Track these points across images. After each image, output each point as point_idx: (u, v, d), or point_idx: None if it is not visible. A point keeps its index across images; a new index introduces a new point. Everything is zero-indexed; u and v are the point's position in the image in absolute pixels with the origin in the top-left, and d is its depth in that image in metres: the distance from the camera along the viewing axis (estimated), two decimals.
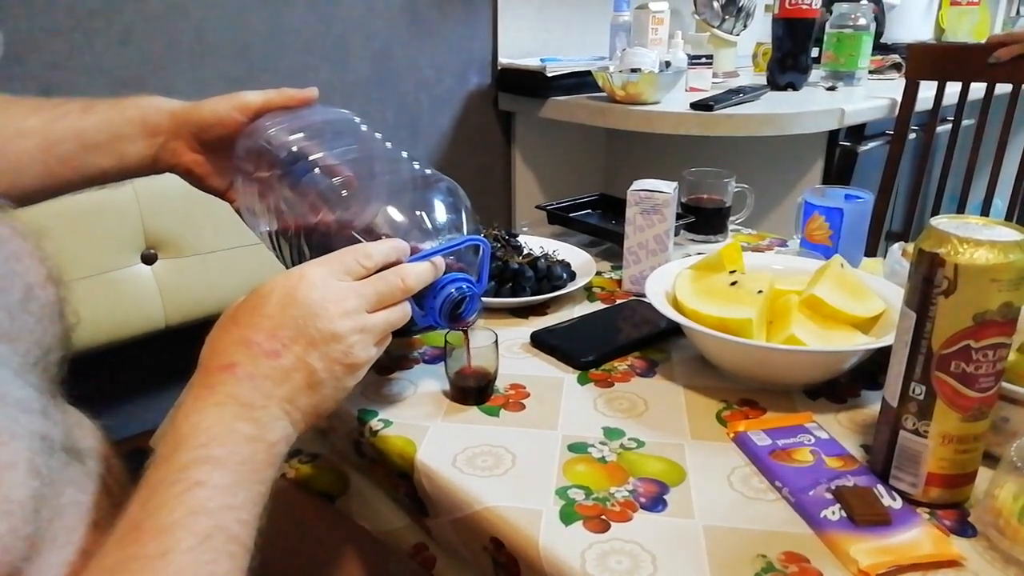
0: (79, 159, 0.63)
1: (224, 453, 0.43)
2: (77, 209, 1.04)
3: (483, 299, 0.81)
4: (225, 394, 0.45)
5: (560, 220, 1.07)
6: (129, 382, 1.32)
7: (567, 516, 0.52)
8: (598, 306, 0.86)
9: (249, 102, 0.66)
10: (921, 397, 0.51)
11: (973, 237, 0.48)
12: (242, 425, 0.44)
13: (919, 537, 0.49)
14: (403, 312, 0.54)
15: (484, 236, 0.88)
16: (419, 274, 0.55)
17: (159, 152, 0.66)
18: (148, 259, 1.12)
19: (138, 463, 0.44)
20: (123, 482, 0.50)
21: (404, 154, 0.66)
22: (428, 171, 0.65)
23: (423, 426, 0.63)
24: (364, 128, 0.69)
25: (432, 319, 0.59)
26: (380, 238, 0.57)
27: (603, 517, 0.52)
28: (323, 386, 0.49)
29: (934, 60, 1.48)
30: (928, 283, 0.49)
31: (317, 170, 0.61)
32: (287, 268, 0.62)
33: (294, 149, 0.63)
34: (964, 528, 0.51)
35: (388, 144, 0.67)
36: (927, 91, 1.48)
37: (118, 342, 1.10)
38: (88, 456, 0.47)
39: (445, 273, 0.59)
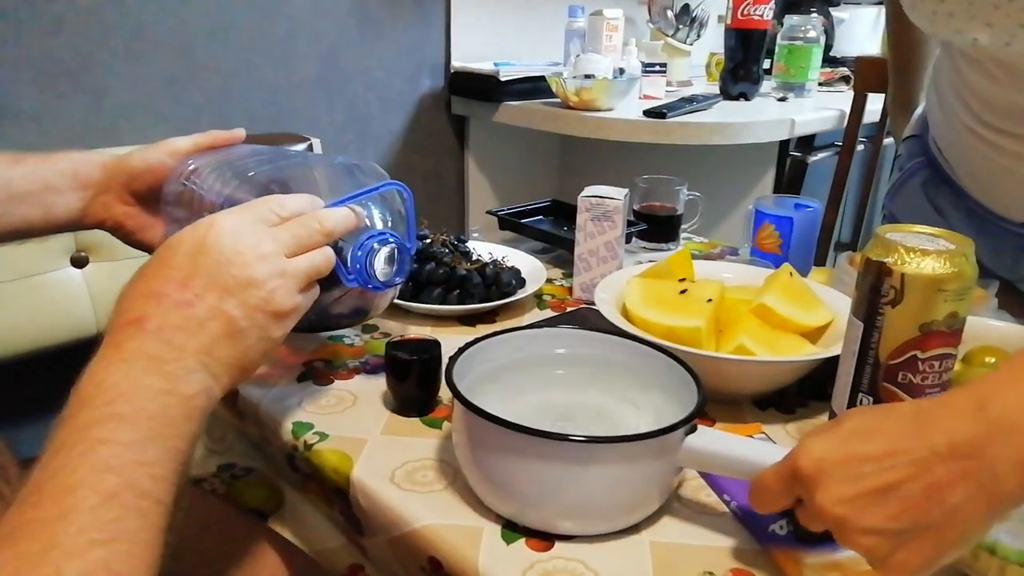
0: (4, 210, 0.62)
1: (131, 410, 0.40)
2: None
3: (429, 306, 0.79)
4: (132, 349, 0.43)
5: (511, 226, 1.05)
6: (57, 390, 1.25)
7: (509, 534, 0.50)
8: (548, 314, 0.84)
9: (179, 147, 0.65)
10: None
11: (920, 247, 0.48)
12: (152, 379, 0.42)
13: None
14: (325, 257, 0.52)
15: (431, 241, 0.86)
16: (337, 218, 0.53)
17: (89, 205, 0.65)
18: (78, 262, 1.07)
19: None
20: None
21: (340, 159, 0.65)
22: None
23: (361, 439, 0.60)
24: (292, 151, 0.67)
25: (361, 278, 0.56)
26: None
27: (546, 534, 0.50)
28: (245, 335, 0.47)
29: (881, 73, 1.50)
30: (875, 292, 0.49)
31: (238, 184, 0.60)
32: None
33: (217, 186, 0.61)
34: None
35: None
36: (875, 103, 1.50)
37: (45, 349, 1.05)
38: None
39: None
